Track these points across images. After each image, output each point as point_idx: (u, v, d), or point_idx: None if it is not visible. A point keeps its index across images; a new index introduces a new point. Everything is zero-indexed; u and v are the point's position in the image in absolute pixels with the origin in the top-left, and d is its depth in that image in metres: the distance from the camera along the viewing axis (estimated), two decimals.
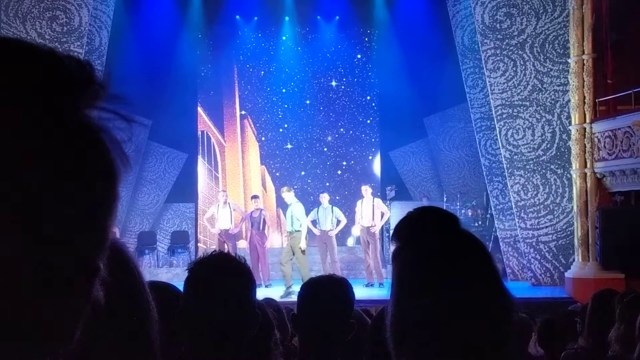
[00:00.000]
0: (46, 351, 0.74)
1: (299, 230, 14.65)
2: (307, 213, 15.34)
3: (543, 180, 15.54)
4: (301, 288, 3.06)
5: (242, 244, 17.11)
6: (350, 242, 18.66)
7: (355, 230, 15.70)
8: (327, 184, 18.93)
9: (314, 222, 15.57)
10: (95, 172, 0.75)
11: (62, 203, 0.72)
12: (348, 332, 2.98)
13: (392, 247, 1.52)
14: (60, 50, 0.77)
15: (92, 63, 0.77)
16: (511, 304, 1.50)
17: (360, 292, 14.02)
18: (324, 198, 15.81)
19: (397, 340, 1.45)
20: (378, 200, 15.75)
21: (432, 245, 1.48)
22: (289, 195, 15.07)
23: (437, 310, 1.41)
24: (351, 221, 16.49)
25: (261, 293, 13.45)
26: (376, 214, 15.33)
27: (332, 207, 15.78)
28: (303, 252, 14.42)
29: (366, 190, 15.64)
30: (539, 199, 15.56)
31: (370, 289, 14.61)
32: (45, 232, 0.71)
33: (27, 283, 0.70)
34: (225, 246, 15.36)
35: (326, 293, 2.97)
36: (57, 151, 0.72)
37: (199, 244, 18.69)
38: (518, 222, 15.73)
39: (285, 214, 15.52)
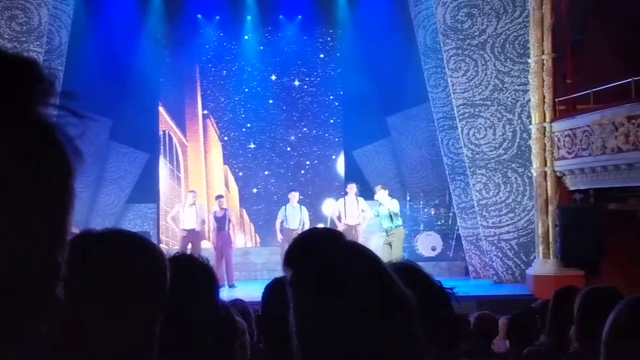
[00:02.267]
0: (11, 349, 0.73)
1: (399, 226, 14.76)
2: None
3: (504, 179, 15.68)
4: (265, 289, 3.05)
5: (206, 244, 17.04)
6: None
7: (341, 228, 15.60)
8: (291, 183, 18.89)
9: (283, 221, 15.52)
10: (50, 169, 0.75)
11: (18, 202, 0.71)
12: None
13: (286, 274, 1.49)
14: (18, 49, 0.76)
15: (39, 61, 0.77)
16: (409, 307, 1.45)
17: None
18: (294, 197, 15.76)
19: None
20: (361, 199, 15.74)
21: (323, 267, 1.44)
22: (383, 194, 15.00)
23: (338, 333, 1.39)
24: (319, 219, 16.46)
25: (226, 294, 13.45)
26: (359, 213, 15.37)
27: (300, 207, 15.76)
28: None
29: (351, 188, 15.62)
30: (500, 198, 15.70)
31: None
32: (3, 231, 0.70)
33: None
34: (190, 246, 15.28)
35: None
36: (9, 149, 0.71)
37: (161, 245, 18.57)
38: (480, 221, 15.85)
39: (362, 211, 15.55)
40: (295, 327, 1.44)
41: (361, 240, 15.61)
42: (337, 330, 1.38)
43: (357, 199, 15.47)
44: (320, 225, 17.41)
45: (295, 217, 15.48)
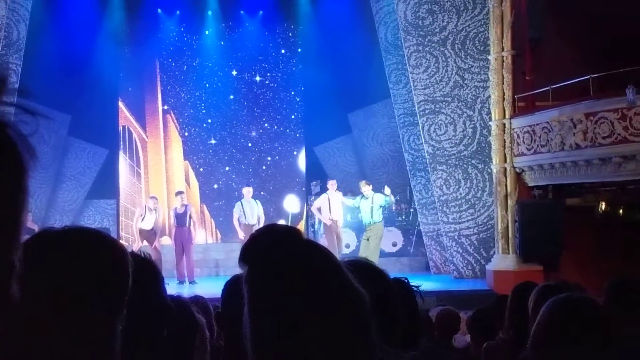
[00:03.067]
0: None
1: (378, 222, 14.83)
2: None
3: (465, 175, 15.79)
4: (225, 285, 3.03)
5: (167, 241, 16.95)
6: None
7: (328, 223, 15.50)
8: (252, 179, 18.83)
9: (240, 217, 15.45)
10: (3, 167, 0.73)
11: None
12: None
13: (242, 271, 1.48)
14: None
15: None
16: (364, 305, 1.44)
17: None
18: (248, 192, 15.71)
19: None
20: (340, 194, 15.74)
21: (279, 263, 1.43)
22: (368, 189, 15.03)
23: (291, 330, 1.38)
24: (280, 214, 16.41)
25: (187, 290, 13.41)
26: (341, 208, 15.42)
27: (256, 201, 15.71)
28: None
29: (333, 184, 15.58)
30: (460, 194, 15.82)
31: None
32: None
33: None
34: (144, 242, 15.17)
35: None
36: None
37: (121, 241, 18.40)
38: (441, 216, 15.96)
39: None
40: (248, 324, 1.42)
41: (341, 234, 15.67)
42: (290, 328, 1.37)
43: (338, 195, 15.52)
44: (282, 222, 17.43)
45: (252, 212, 15.42)
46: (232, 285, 3.02)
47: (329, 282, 1.44)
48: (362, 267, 2.26)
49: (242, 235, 15.22)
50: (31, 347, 1.32)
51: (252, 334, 1.42)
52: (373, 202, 14.83)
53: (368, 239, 14.74)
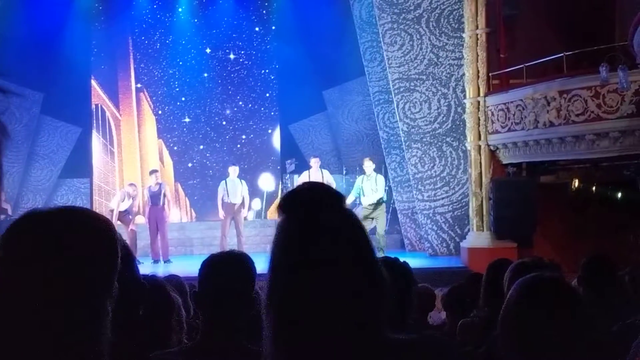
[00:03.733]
0: None
1: (383, 201, 14.78)
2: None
3: (439, 153, 15.81)
4: (202, 265, 3.02)
5: (141, 220, 16.87)
6: (251, 216, 18.58)
7: None
8: (227, 157, 18.79)
9: (223, 196, 15.34)
10: None
11: None
12: (250, 307, 2.97)
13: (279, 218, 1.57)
14: None
15: None
16: (384, 286, 1.53)
17: None
18: (234, 171, 15.59)
19: (275, 312, 1.51)
20: (326, 172, 15.64)
21: (315, 220, 1.52)
22: (371, 167, 14.92)
23: (308, 285, 1.48)
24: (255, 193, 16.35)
25: (162, 270, 13.35)
26: None
27: (241, 181, 15.61)
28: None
29: (316, 162, 15.45)
30: (435, 171, 15.84)
31: None
32: None
33: None
34: (118, 223, 15.07)
35: (227, 269, 2.95)
36: None
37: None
38: (415, 194, 15.99)
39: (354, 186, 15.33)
40: (270, 267, 1.51)
41: None
42: (306, 280, 1.47)
43: (322, 172, 15.38)
44: (257, 200, 17.41)
45: (236, 191, 15.34)
46: (208, 265, 3.01)
47: (355, 254, 1.52)
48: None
49: (221, 215, 15.16)
50: (25, 327, 1.32)
51: (271, 278, 1.51)
52: (377, 182, 14.78)
53: (374, 218, 14.68)
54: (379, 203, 14.68)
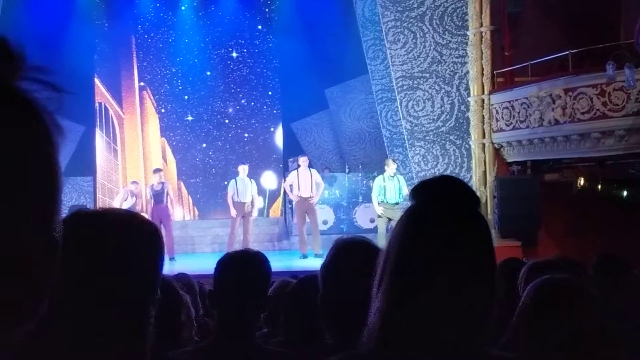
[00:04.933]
0: (13, 328, 0.73)
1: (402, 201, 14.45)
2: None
3: (442, 151, 15.79)
4: (217, 264, 3.00)
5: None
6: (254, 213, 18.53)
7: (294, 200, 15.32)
8: (229, 156, 18.78)
9: (233, 195, 15.26)
10: (38, 144, 0.73)
11: (12, 180, 0.70)
12: (266, 306, 2.95)
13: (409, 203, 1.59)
14: None
15: (6, 36, 0.75)
16: (497, 299, 1.54)
17: (298, 264, 13.95)
18: (243, 170, 15.50)
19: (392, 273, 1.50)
20: (314, 171, 15.52)
21: (456, 217, 1.52)
22: (394, 168, 14.69)
23: (432, 281, 1.47)
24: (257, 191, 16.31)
25: (167, 267, 13.34)
26: (313, 185, 15.06)
27: (250, 180, 15.53)
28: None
29: (304, 161, 15.31)
30: (438, 169, 15.81)
31: (305, 260, 14.44)
32: (4, 207, 0.69)
33: None
34: None
35: (243, 268, 2.93)
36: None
37: (87, 207, 18.28)
38: None
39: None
40: (393, 246, 1.52)
41: (317, 212, 15.55)
42: (431, 276, 1.47)
43: (310, 171, 15.24)
44: (260, 199, 17.38)
45: (246, 190, 15.25)
46: (224, 264, 2.99)
47: (478, 260, 1.51)
48: None
49: (233, 213, 15.10)
50: (74, 328, 1.32)
51: (395, 257, 1.50)
52: (399, 182, 14.67)
53: (392, 219, 14.45)
54: (397, 203, 14.53)
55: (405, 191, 14.55)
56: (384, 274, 1.51)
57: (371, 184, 17.89)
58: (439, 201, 1.53)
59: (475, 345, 1.50)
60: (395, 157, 16.58)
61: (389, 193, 14.47)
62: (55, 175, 0.75)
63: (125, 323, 1.42)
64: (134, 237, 1.49)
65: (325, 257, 2.41)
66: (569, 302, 2.36)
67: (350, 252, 2.34)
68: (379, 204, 14.49)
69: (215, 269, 2.97)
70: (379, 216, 14.54)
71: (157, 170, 15.95)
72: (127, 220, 1.53)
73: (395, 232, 1.55)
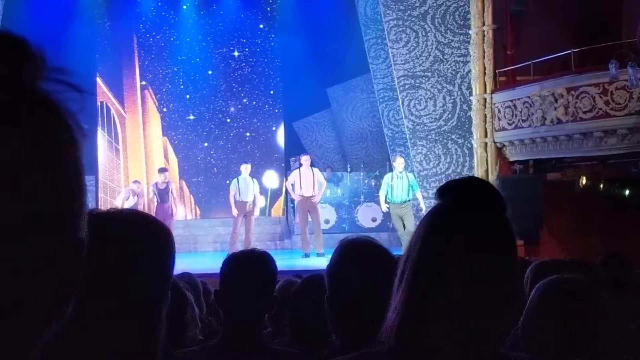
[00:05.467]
0: (41, 330, 0.73)
1: (411, 199, 14.41)
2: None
3: (444, 150, 15.78)
4: (223, 263, 3.00)
5: None
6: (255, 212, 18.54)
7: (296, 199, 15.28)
8: (231, 155, 18.79)
9: (235, 194, 15.21)
10: (62, 144, 0.74)
11: (40, 180, 0.70)
12: (272, 306, 2.95)
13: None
14: None
15: (26, 38, 0.75)
16: (514, 303, 1.55)
17: (301, 263, 13.90)
18: (245, 169, 15.44)
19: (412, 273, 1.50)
20: (316, 170, 15.46)
21: (471, 217, 1.51)
22: (402, 164, 14.56)
23: (451, 284, 1.46)
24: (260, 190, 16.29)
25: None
26: (315, 184, 15.03)
27: (253, 179, 15.48)
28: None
29: (306, 160, 15.24)
30: (440, 169, 15.81)
31: (308, 259, 14.42)
32: (31, 208, 0.69)
33: (19, 258, 0.69)
34: None
35: (249, 268, 2.93)
36: (21, 128, 0.69)
37: (99, 208, 18.25)
38: (420, 192, 15.94)
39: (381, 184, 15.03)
40: (415, 245, 1.51)
41: (319, 211, 15.52)
42: (446, 263, 1.47)
43: (312, 170, 15.17)
44: (262, 198, 17.36)
45: (247, 189, 15.20)
46: (230, 263, 2.99)
47: (499, 265, 1.50)
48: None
49: (235, 212, 15.06)
50: (92, 331, 1.33)
51: (419, 253, 1.49)
52: (409, 179, 14.60)
53: (403, 217, 14.39)
54: (407, 200, 14.46)
55: (417, 188, 14.53)
56: (404, 273, 1.50)
57: (372, 184, 17.94)
58: (464, 202, 1.52)
59: (493, 347, 1.50)
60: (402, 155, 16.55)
61: (396, 191, 14.39)
62: (79, 175, 0.75)
63: (140, 323, 1.42)
64: (147, 237, 1.49)
65: (330, 257, 2.40)
66: (578, 303, 2.35)
67: (356, 252, 2.33)
68: (385, 202, 14.45)
69: (222, 268, 2.97)
70: (386, 213, 14.54)
71: (162, 170, 15.96)
72: (139, 220, 1.53)
73: (417, 231, 1.54)
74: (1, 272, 0.68)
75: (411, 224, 14.50)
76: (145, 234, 1.48)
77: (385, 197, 14.46)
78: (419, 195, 14.46)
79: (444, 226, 1.52)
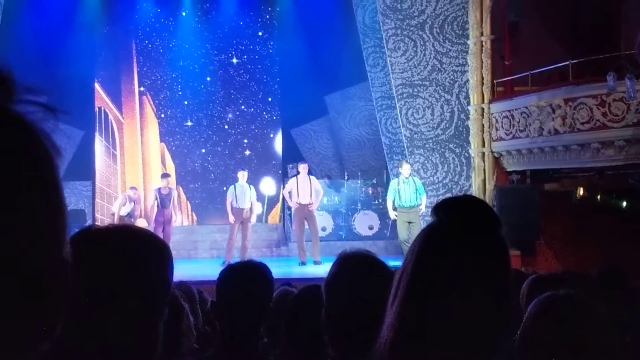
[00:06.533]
0: (31, 348, 0.74)
1: (420, 204, 14.37)
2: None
3: (442, 159, 15.80)
4: (220, 274, 3.00)
5: (142, 223, 16.83)
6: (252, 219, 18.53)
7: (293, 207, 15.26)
8: (229, 161, 18.79)
9: (232, 201, 15.18)
10: (39, 166, 0.74)
11: (17, 202, 0.71)
12: (268, 317, 2.95)
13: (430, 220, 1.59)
14: None
15: None
16: (508, 314, 1.54)
17: (297, 271, 13.91)
18: (242, 176, 15.40)
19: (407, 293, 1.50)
20: (313, 178, 15.42)
21: (465, 236, 1.51)
22: (408, 170, 14.56)
23: (443, 300, 1.47)
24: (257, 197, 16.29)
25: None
26: (312, 191, 14.96)
27: (250, 186, 15.44)
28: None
29: (304, 167, 15.22)
30: (438, 177, 15.83)
31: (304, 267, 14.38)
32: (9, 231, 0.69)
33: (8, 279, 0.69)
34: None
35: (246, 279, 2.93)
36: None
37: (96, 223, 18.26)
38: None
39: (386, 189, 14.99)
40: (410, 262, 1.52)
41: (316, 219, 15.49)
42: (440, 281, 1.47)
43: (309, 178, 15.15)
44: (259, 205, 17.35)
45: (244, 196, 15.16)
46: (227, 274, 2.99)
47: (495, 285, 1.51)
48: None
49: (232, 219, 15.01)
50: (87, 341, 1.33)
51: (413, 272, 1.50)
52: (416, 184, 14.56)
53: (410, 222, 14.33)
54: (414, 205, 14.42)
55: (423, 192, 14.50)
56: (399, 288, 1.51)
57: (370, 191, 17.93)
58: (459, 221, 1.52)
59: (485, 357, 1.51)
60: (409, 161, 16.52)
61: (404, 196, 14.37)
62: (59, 197, 0.76)
63: (138, 336, 1.43)
64: (146, 253, 1.51)
65: (329, 269, 2.40)
66: (574, 319, 2.36)
67: (355, 266, 2.33)
68: (394, 208, 14.42)
69: (218, 279, 2.97)
70: (394, 220, 14.49)
71: (165, 175, 15.99)
72: (138, 236, 1.55)
73: (412, 248, 1.55)
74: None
75: (418, 229, 14.46)
76: (143, 250, 1.50)
77: (394, 202, 14.43)
78: (424, 198, 14.43)
79: (438, 244, 1.52)
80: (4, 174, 0.69)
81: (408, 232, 14.05)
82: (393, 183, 14.71)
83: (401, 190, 14.38)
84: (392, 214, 14.47)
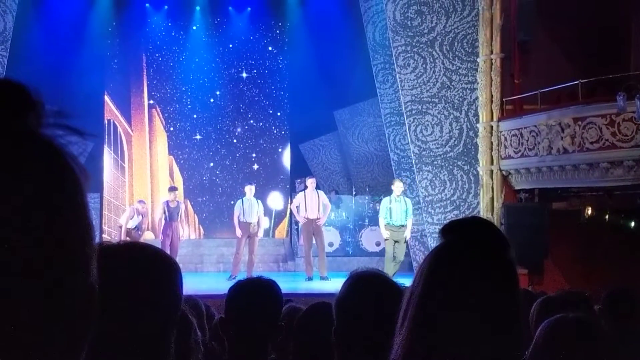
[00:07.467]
0: None
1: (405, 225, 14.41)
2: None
3: (450, 176, 15.78)
4: (229, 291, 3.00)
5: (149, 236, 16.86)
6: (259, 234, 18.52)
7: (301, 222, 15.23)
8: (237, 175, 18.82)
9: (239, 215, 15.17)
10: (69, 190, 0.75)
11: (50, 231, 0.71)
12: (277, 334, 2.95)
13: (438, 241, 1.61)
14: None
15: (27, 84, 0.76)
16: (520, 344, 1.55)
17: (304, 286, 13.90)
18: (250, 190, 15.40)
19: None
20: (321, 192, 15.43)
21: (474, 257, 1.52)
22: (401, 189, 14.65)
23: (453, 322, 1.47)
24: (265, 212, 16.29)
25: None
26: (320, 206, 14.94)
27: (257, 200, 15.43)
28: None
29: (312, 182, 15.20)
30: (446, 195, 15.80)
31: (311, 282, 14.36)
32: (43, 253, 0.70)
33: (33, 301, 0.70)
34: (127, 239, 15.04)
35: (256, 295, 2.93)
36: (27, 175, 0.71)
37: (103, 235, 18.30)
38: (425, 217, 15.93)
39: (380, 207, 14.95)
40: (419, 283, 1.52)
41: (324, 234, 15.47)
42: (449, 303, 1.48)
43: (317, 193, 15.14)
44: (266, 219, 17.35)
45: (252, 210, 15.14)
46: (236, 291, 2.99)
47: (505, 307, 1.51)
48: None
49: (239, 233, 14.99)
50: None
51: (421, 296, 1.50)
52: (406, 204, 14.59)
53: (398, 241, 14.39)
54: (403, 225, 14.43)
55: (411, 214, 14.53)
56: (407, 310, 1.51)
57: (378, 207, 17.90)
58: (467, 243, 1.52)
59: None
60: (404, 179, 16.54)
61: (395, 215, 14.40)
62: (88, 218, 0.76)
63: (151, 353, 1.43)
64: (158, 270, 1.52)
65: (340, 289, 2.40)
66: (583, 343, 2.36)
67: (366, 286, 2.33)
68: (385, 226, 14.43)
69: (227, 295, 2.97)
70: (386, 239, 14.48)
71: (172, 189, 15.99)
72: (148, 254, 1.56)
73: (421, 269, 1.56)
74: (15, 317, 0.68)
75: (402, 254, 14.48)
76: (153, 268, 1.50)
77: (385, 220, 14.45)
78: (409, 222, 14.43)
79: (446, 266, 1.53)
80: (36, 199, 0.70)
81: (394, 251, 14.15)
82: (385, 201, 14.74)
83: (393, 209, 14.41)
84: (385, 233, 14.43)
